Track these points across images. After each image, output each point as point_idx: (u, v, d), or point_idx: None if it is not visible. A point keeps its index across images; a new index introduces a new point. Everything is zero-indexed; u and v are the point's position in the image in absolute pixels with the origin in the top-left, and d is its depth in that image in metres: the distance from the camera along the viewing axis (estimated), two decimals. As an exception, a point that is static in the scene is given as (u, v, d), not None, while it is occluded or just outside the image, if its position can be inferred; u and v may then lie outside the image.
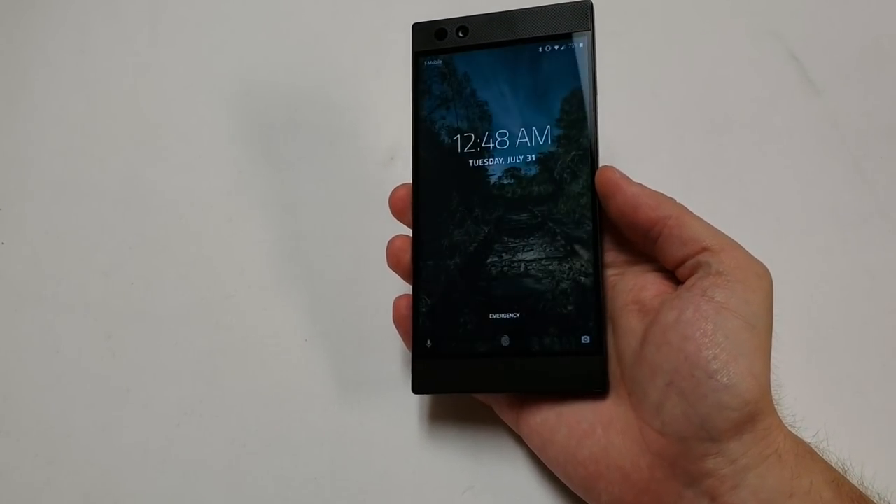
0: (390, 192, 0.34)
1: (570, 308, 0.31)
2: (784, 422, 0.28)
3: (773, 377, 0.28)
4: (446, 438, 0.35)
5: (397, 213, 0.34)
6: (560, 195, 0.32)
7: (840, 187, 0.41)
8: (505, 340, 0.31)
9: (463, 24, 0.33)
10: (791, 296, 0.38)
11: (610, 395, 0.30)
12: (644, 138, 0.42)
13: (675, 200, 0.30)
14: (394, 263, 0.34)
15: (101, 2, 0.47)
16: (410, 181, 0.34)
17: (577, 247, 0.31)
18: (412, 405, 0.36)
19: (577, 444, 0.30)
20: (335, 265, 0.40)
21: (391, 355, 0.37)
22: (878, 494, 0.28)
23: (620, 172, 0.31)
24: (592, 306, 0.31)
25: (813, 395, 0.34)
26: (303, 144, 0.43)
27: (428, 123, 0.34)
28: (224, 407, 0.36)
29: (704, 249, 0.29)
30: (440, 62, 0.34)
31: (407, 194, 0.34)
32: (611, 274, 0.32)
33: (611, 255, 0.33)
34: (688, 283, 0.29)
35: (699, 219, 0.30)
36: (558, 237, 0.31)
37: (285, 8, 0.47)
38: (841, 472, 0.27)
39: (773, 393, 0.28)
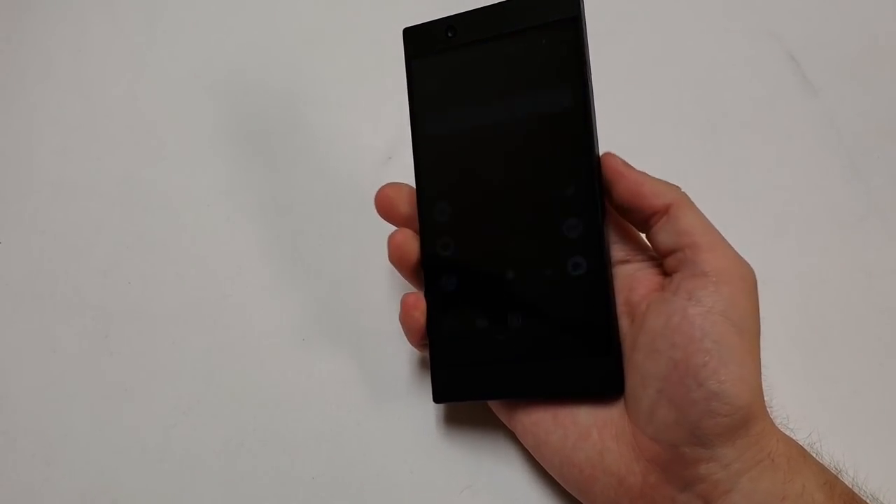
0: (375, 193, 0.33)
1: (581, 311, 0.30)
2: (777, 422, 0.28)
3: (765, 377, 0.28)
4: (444, 437, 0.35)
5: (385, 212, 0.33)
6: (565, 193, 0.31)
7: (837, 187, 0.41)
8: (520, 346, 0.31)
9: (451, 24, 0.32)
10: (787, 295, 0.38)
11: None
12: (642, 138, 0.42)
13: (678, 188, 0.30)
14: (397, 258, 0.33)
15: (98, 1, 0.47)
16: (398, 181, 0.33)
17: (584, 247, 0.30)
18: (410, 404, 0.36)
19: (572, 446, 0.30)
20: (333, 264, 0.40)
21: (389, 354, 0.37)
22: (871, 495, 0.28)
23: (622, 159, 0.31)
24: (603, 307, 0.30)
25: (808, 395, 0.34)
26: (300, 144, 0.43)
27: (428, 127, 0.33)
28: (221, 406, 0.36)
29: (694, 244, 0.28)
30: (434, 64, 0.33)
31: (395, 194, 0.33)
32: None
33: None
34: (673, 286, 0.28)
35: (697, 211, 0.29)
36: (566, 238, 0.30)
37: (283, 7, 0.47)
38: (834, 473, 0.27)
39: (765, 394, 0.28)
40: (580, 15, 0.31)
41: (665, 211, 0.29)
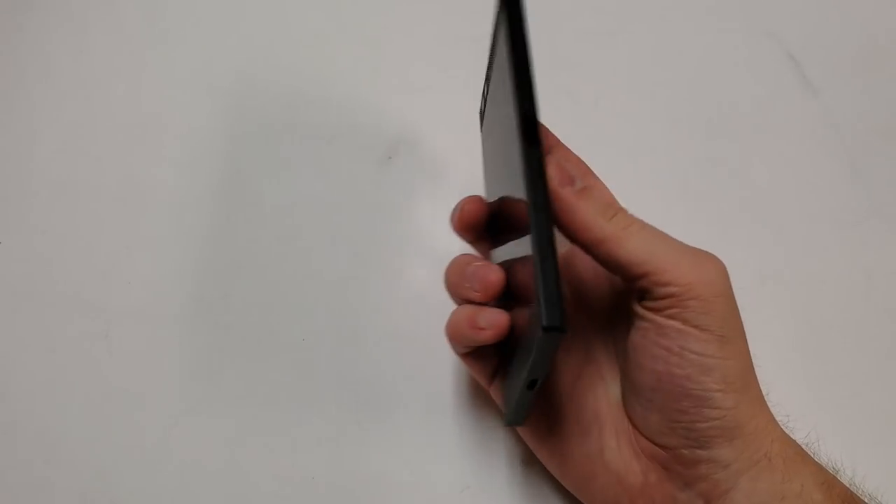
0: (458, 205, 0.32)
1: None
2: (777, 419, 0.28)
3: (764, 377, 0.28)
4: (444, 437, 0.35)
5: (463, 227, 0.32)
6: (520, 188, 0.27)
7: (837, 187, 0.41)
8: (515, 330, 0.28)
9: (486, 80, 0.33)
10: (787, 295, 0.38)
11: (607, 396, 0.30)
12: (642, 139, 0.42)
13: (613, 212, 0.27)
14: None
15: (99, 1, 0.47)
16: (473, 195, 0.32)
17: (534, 228, 0.25)
18: (409, 404, 0.36)
19: (574, 443, 0.30)
20: (333, 264, 0.40)
21: (388, 354, 0.37)
22: (869, 495, 0.28)
23: (562, 166, 0.27)
24: (539, 272, 0.24)
25: (807, 395, 0.34)
26: (301, 143, 0.43)
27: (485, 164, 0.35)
28: (221, 406, 0.36)
29: (645, 274, 0.26)
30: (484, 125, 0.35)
31: (477, 210, 0.31)
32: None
33: None
34: (646, 303, 0.27)
35: (638, 233, 0.26)
36: (528, 227, 0.26)
37: (283, 7, 0.47)
38: (832, 472, 0.27)
39: (764, 392, 0.28)
40: (502, 9, 0.27)
41: (598, 247, 0.26)
